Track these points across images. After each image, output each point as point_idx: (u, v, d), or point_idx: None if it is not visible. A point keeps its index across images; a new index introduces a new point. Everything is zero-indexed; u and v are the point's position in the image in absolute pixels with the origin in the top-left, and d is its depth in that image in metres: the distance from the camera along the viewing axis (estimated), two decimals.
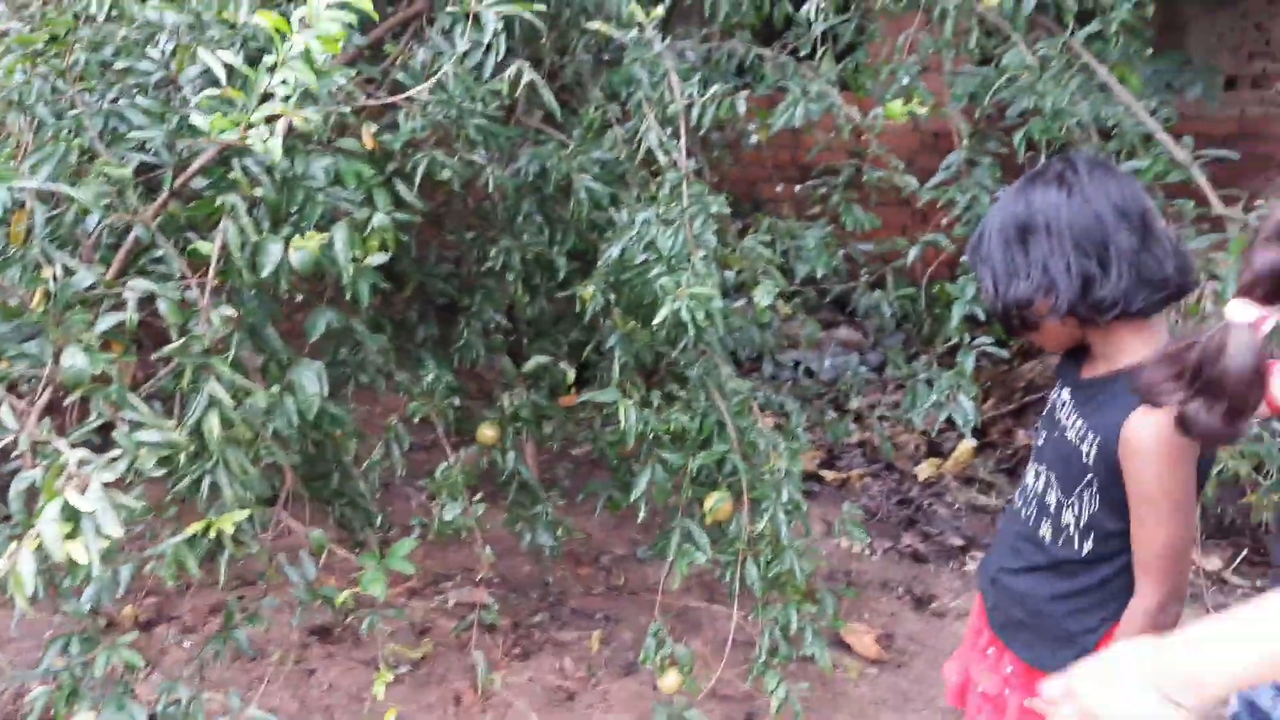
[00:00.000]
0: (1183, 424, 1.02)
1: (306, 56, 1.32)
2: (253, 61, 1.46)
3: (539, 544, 2.56)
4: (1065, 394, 1.48)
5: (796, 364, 4.46)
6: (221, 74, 1.38)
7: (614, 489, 2.46)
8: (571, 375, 2.39)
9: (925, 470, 3.83)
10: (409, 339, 2.50)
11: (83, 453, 1.13)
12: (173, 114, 1.49)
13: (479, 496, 2.38)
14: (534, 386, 2.64)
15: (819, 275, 2.61)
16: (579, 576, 3.28)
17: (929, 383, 2.34)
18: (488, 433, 2.55)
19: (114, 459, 1.17)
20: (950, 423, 2.32)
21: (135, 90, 1.60)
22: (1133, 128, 2.18)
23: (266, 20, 1.35)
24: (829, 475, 3.86)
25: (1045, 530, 1.48)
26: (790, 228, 2.68)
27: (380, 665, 1.90)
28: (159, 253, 1.51)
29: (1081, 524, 1.43)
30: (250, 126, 1.27)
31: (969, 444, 3.77)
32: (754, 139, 2.66)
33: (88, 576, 1.20)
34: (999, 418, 4.08)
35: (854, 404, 3.82)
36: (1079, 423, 1.41)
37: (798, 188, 3.24)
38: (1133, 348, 1.34)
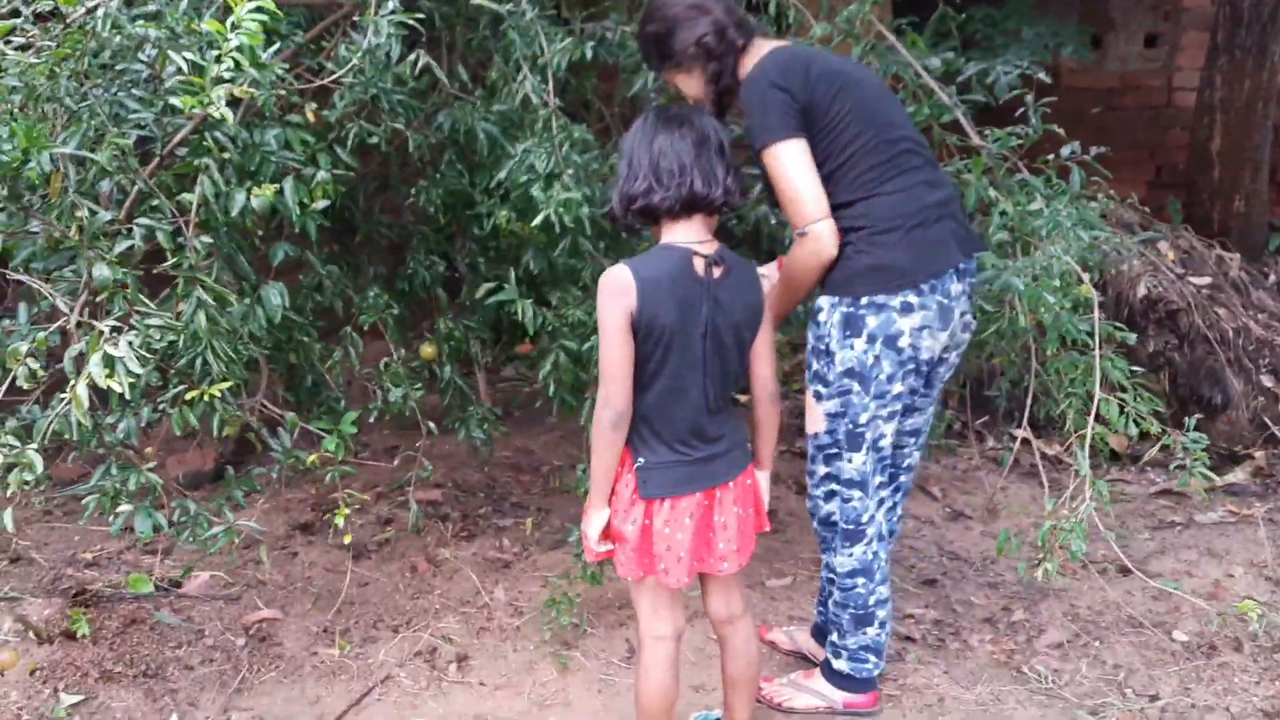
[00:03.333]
0: None
1: (244, 49, 1.90)
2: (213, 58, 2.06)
3: (473, 437, 3.15)
4: None
5: None
6: (185, 67, 1.95)
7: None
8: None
9: None
10: (361, 276, 3.10)
11: (113, 323, 1.73)
12: (159, 100, 2.07)
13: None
14: (470, 313, 3.23)
15: None
16: (520, 482, 3.89)
17: None
18: (427, 350, 3.14)
19: (134, 332, 1.76)
20: None
21: (130, 84, 2.18)
22: (913, 79, 2.78)
23: (211, 26, 1.94)
24: None
25: None
26: None
27: (340, 503, 2.45)
28: (155, 202, 2.10)
29: None
30: (209, 102, 1.85)
31: None
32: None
33: (123, 410, 1.78)
34: None
35: None
36: None
37: None
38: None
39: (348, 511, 2.43)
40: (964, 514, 3.60)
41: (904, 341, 2.15)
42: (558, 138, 2.50)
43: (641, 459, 1.98)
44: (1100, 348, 2.43)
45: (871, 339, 2.16)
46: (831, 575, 2.41)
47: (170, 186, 2.21)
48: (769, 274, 2.28)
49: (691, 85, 2.32)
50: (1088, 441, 2.40)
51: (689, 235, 1.92)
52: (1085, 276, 2.41)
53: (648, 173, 1.90)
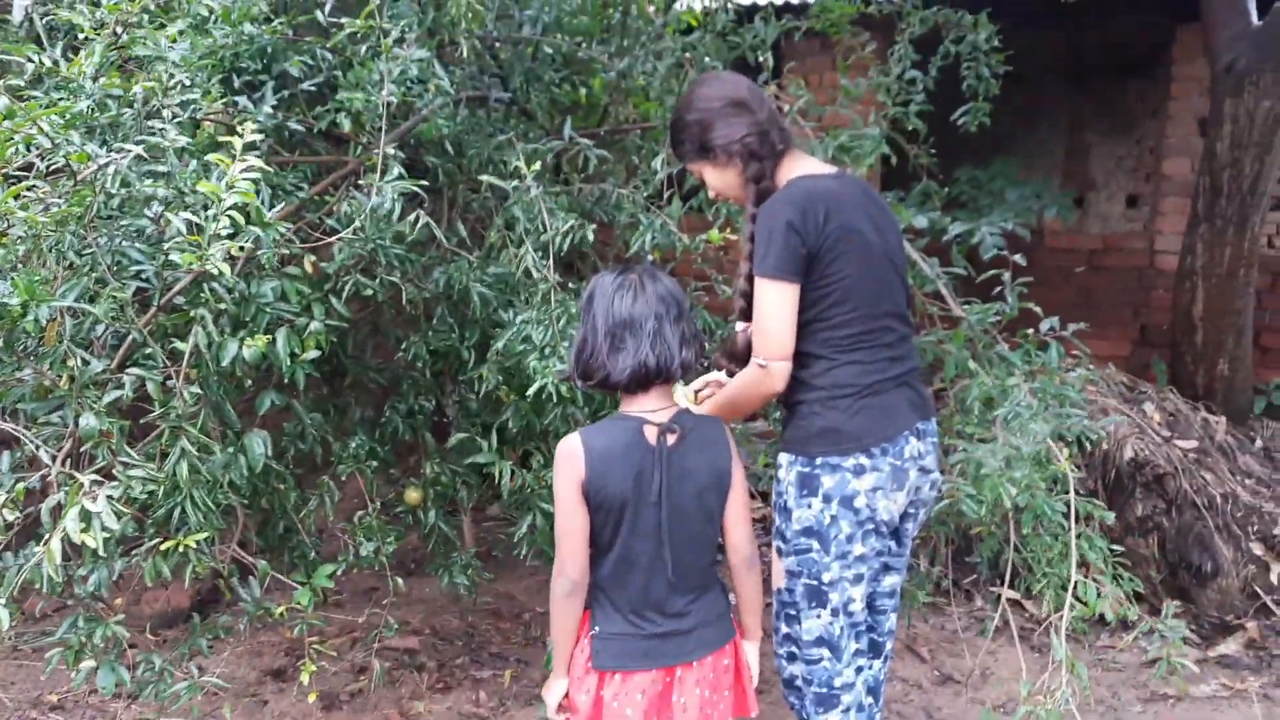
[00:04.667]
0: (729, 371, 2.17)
1: (240, 208, 1.95)
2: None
3: (456, 584, 3.11)
4: None
5: None
6: (183, 229, 2.01)
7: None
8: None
9: None
10: (346, 419, 3.10)
11: (93, 477, 1.72)
12: (160, 254, 2.11)
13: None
14: (455, 460, 3.22)
15: None
16: (501, 629, 3.82)
17: None
18: (413, 495, 3.12)
19: (115, 484, 1.76)
20: None
21: (135, 236, 2.23)
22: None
23: (206, 188, 2.00)
24: None
25: None
26: None
27: (306, 658, 2.40)
28: (148, 350, 2.12)
29: None
30: (208, 258, 1.89)
31: None
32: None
33: (96, 562, 1.76)
34: None
35: None
36: None
37: None
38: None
39: (314, 667, 2.37)
40: (952, 678, 3.53)
41: (860, 502, 2.15)
42: (555, 311, 2.55)
43: (597, 627, 1.95)
44: (1079, 524, 2.43)
45: (828, 499, 2.16)
46: None
47: (164, 334, 2.24)
48: (743, 328, 2.28)
49: (722, 180, 2.33)
50: (1064, 625, 2.38)
51: (644, 405, 1.94)
52: (1064, 453, 2.43)
53: (601, 347, 1.92)
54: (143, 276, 2.14)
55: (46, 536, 1.64)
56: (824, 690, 2.28)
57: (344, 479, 2.79)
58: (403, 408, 3.09)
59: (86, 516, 1.63)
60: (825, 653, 2.25)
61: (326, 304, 2.56)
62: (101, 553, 1.62)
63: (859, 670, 2.32)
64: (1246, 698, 3.38)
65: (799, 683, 2.31)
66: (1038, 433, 2.31)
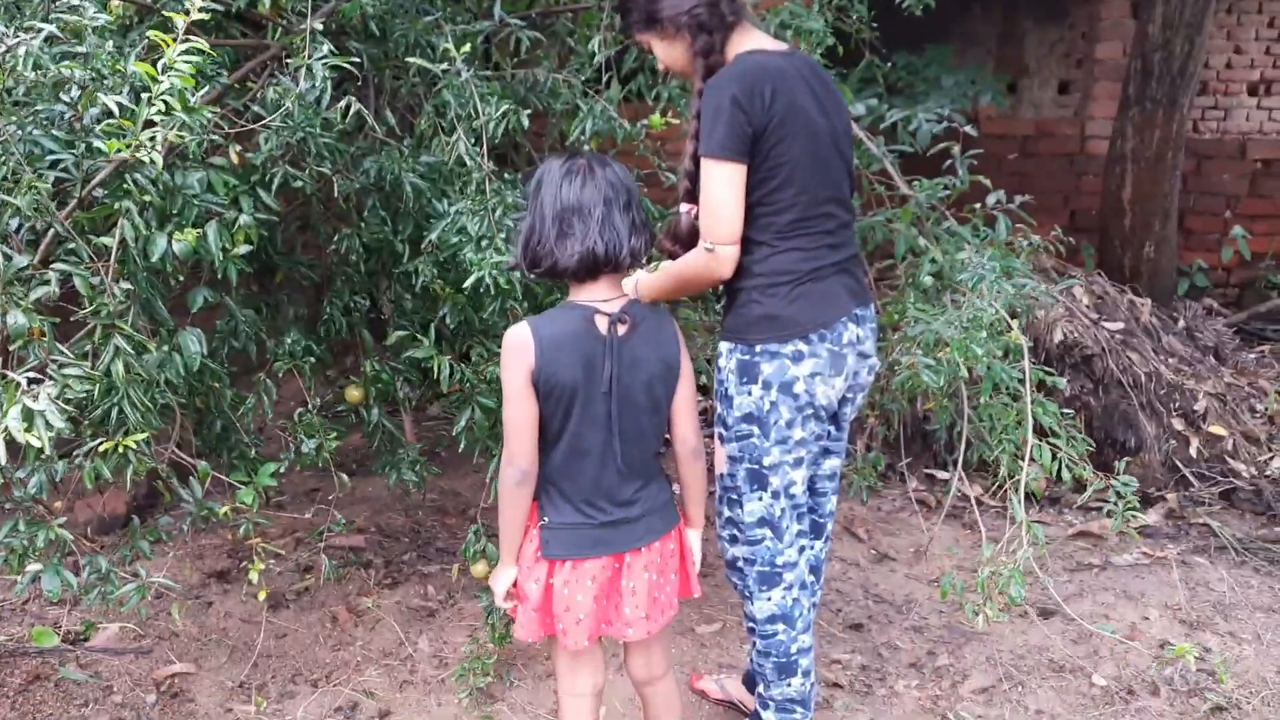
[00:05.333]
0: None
1: (174, 91, 1.86)
2: (138, 100, 2.00)
3: (404, 480, 3.08)
4: None
5: None
6: (115, 110, 1.90)
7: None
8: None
9: None
10: (279, 317, 3.02)
11: (31, 375, 1.66)
12: (80, 142, 2.00)
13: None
14: (394, 357, 3.17)
15: None
16: (446, 525, 3.82)
17: None
18: (354, 393, 3.07)
19: (51, 383, 1.69)
20: None
21: (48, 123, 2.11)
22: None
23: (141, 69, 1.90)
24: None
25: None
26: None
27: (255, 556, 2.39)
28: (71, 246, 2.03)
29: None
30: (139, 145, 1.80)
31: None
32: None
33: (38, 462, 1.71)
34: None
35: None
36: None
37: None
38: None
39: (262, 566, 2.35)
40: (889, 556, 3.64)
41: (799, 388, 2.17)
42: (491, 201, 2.48)
43: (546, 518, 1.96)
44: (1031, 393, 2.49)
45: (767, 385, 2.17)
46: (752, 624, 2.40)
47: (86, 229, 2.14)
48: (687, 209, 2.25)
49: (670, 54, 2.26)
50: (1022, 487, 2.45)
51: (594, 295, 1.91)
52: (1014, 324, 2.47)
53: (549, 234, 1.88)
54: (61, 167, 2.02)
55: None
56: (767, 569, 2.32)
57: (281, 377, 2.72)
58: (339, 304, 3.02)
59: (29, 415, 1.57)
60: (767, 533, 2.29)
61: (255, 197, 2.47)
62: (47, 452, 1.56)
63: (801, 550, 2.37)
64: (1166, 564, 3.54)
65: (741, 564, 2.36)
66: (989, 304, 2.34)
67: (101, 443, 1.93)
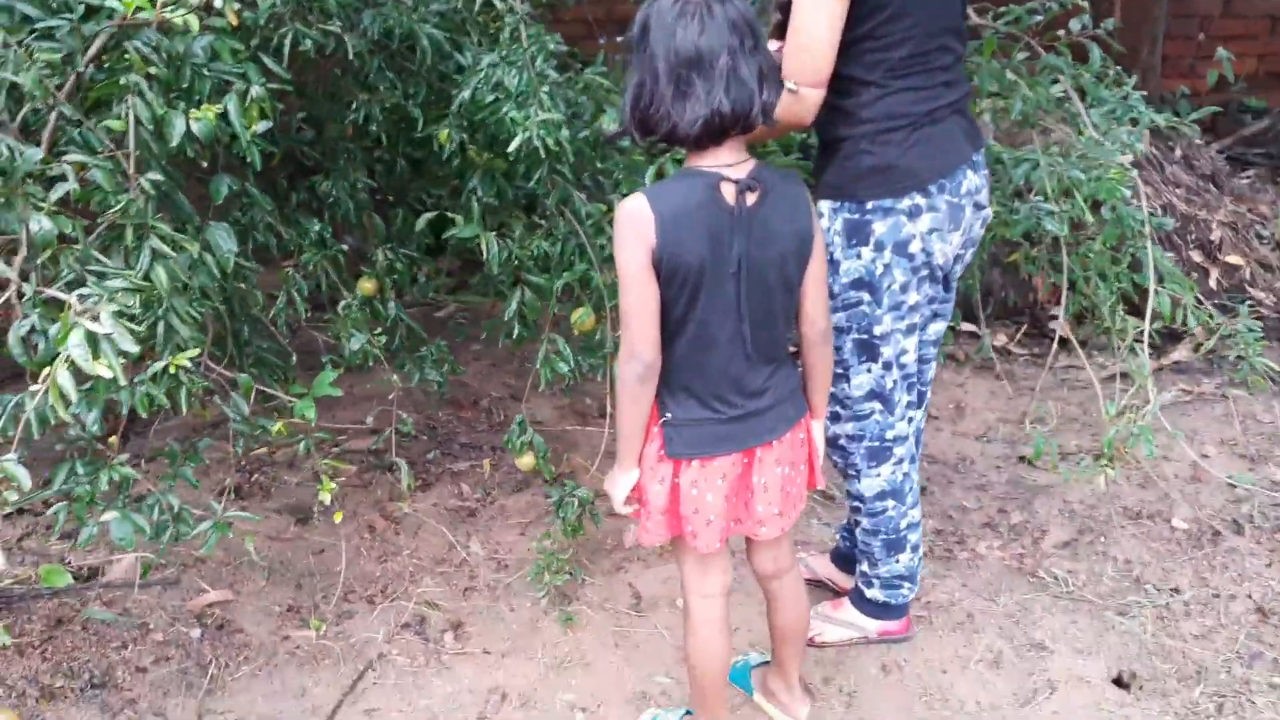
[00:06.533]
0: None
1: None
2: None
3: (427, 379, 2.83)
4: None
5: None
6: None
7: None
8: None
9: None
10: (284, 203, 2.68)
11: (82, 291, 1.35)
12: (78, 4, 1.64)
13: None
14: (404, 243, 2.87)
15: None
16: (463, 419, 3.58)
17: None
18: (367, 285, 2.77)
19: (96, 298, 1.39)
20: None
21: None
22: None
23: None
24: None
25: None
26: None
27: (322, 478, 2.14)
28: (79, 130, 1.69)
29: None
30: (166, 5, 1.46)
31: None
32: None
33: (102, 393, 1.42)
34: None
35: None
36: None
37: (619, 39, 3.50)
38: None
39: (333, 486, 2.11)
40: (931, 415, 3.52)
41: (915, 247, 1.96)
42: (530, 50, 2.16)
43: (669, 414, 1.74)
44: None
45: (879, 246, 1.96)
46: (858, 502, 2.25)
47: (89, 112, 1.79)
48: (777, 48, 1.97)
49: None
50: (1146, 337, 2.31)
51: (718, 160, 1.62)
52: (1126, 162, 2.28)
53: (664, 94, 1.56)
54: (55, 36, 1.67)
55: (49, 369, 1.29)
56: (876, 444, 2.16)
57: (311, 269, 2.42)
58: (344, 185, 2.69)
59: (93, 340, 1.28)
60: (877, 405, 2.12)
61: (260, 63, 2.12)
62: (121, 381, 1.28)
63: (910, 422, 2.20)
64: (1207, 400, 3.49)
65: (842, 441, 2.19)
66: (1110, 143, 2.14)
67: (157, 364, 1.63)
